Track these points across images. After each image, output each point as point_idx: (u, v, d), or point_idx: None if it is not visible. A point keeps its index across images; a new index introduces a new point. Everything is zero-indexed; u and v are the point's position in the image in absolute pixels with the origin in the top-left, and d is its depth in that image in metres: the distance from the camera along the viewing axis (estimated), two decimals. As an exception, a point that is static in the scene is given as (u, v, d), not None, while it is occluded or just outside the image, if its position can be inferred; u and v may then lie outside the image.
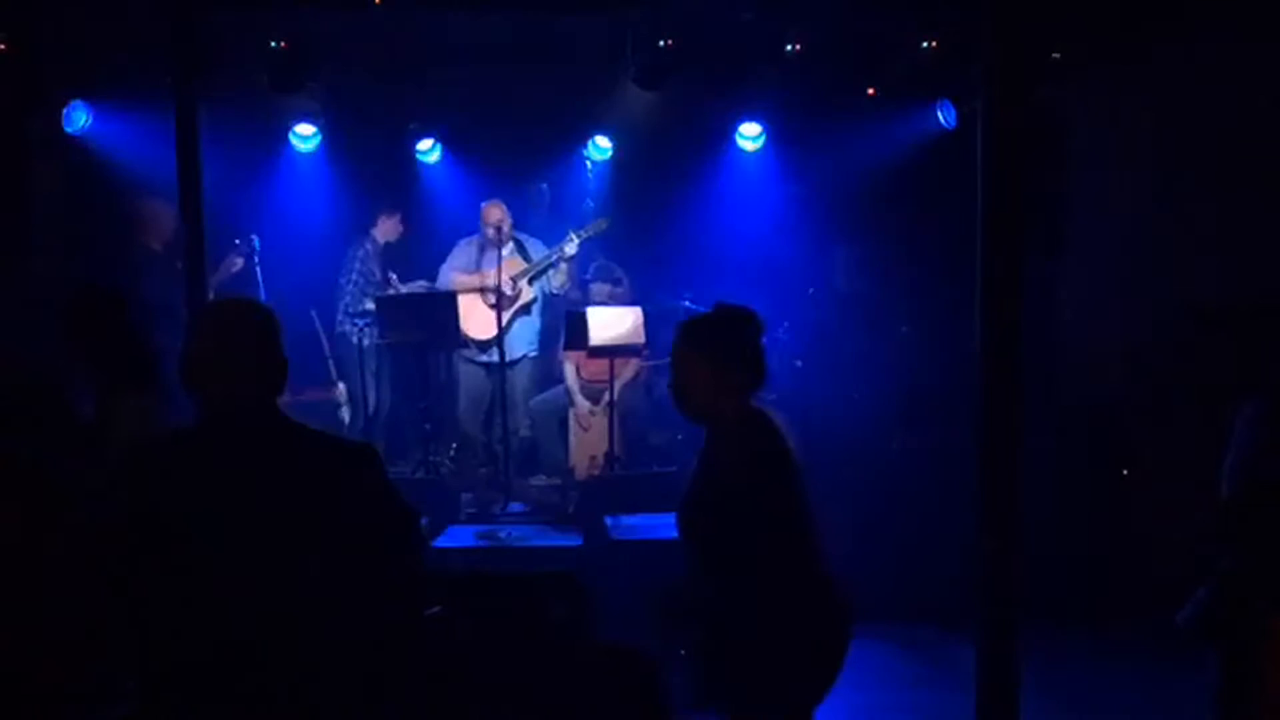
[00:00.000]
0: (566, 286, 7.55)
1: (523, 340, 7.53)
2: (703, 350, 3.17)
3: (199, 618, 2.48)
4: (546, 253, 7.43)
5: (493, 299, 7.30)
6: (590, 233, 7.36)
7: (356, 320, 7.55)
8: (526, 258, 7.46)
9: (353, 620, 2.59)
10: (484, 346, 7.48)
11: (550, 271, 7.46)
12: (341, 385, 7.53)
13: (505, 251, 7.28)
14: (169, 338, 7.05)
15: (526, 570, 5.78)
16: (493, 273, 7.30)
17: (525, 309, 7.51)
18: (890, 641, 5.91)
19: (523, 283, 7.41)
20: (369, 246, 7.73)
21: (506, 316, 7.32)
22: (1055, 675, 5.24)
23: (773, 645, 3.01)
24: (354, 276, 7.66)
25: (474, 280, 7.44)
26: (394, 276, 7.58)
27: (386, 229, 7.81)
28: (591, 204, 8.18)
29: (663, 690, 3.28)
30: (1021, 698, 3.67)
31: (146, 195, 7.13)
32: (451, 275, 7.52)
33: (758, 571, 3.01)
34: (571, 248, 7.33)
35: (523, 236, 7.54)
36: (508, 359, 7.36)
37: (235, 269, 7.26)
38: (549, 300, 7.65)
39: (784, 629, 3.02)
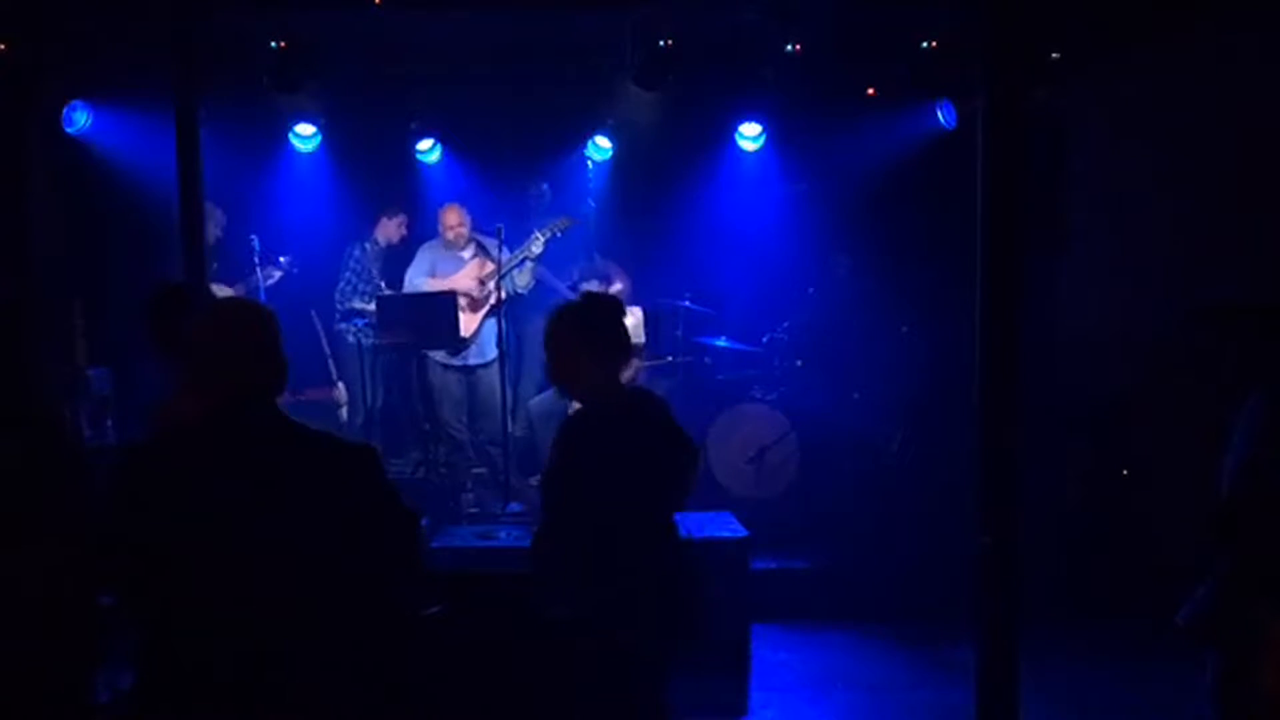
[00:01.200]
0: (530, 286, 7.54)
1: (493, 341, 7.49)
2: (572, 335, 3.35)
3: (199, 616, 2.48)
4: (513, 254, 7.41)
5: (463, 302, 7.30)
6: (554, 231, 7.33)
7: (354, 320, 7.54)
8: (493, 259, 7.44)
9: (353, 620, 2.59)
10: (455, 350, 7.47)
11: (514, 271, 7.43)
12: (341, 385, 7.53)
13: (467, 254, 7.36)
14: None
15: (527, 570, 5.76)
16: (456, 277, 7.32)
17: (493, 310, 7.50)
18: (890, 641, 5.91)
19: (491, 284, 7.40)
20: (367, 247, 7.71)
21: (480, 318, 7.34)
22: (1055, 675, 5.24)
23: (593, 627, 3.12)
24: (347, 275, 7.65)
25: (443, 285, 7.41)
26: (383, 284, 7.57)
27: (388, 230, 7.80)
28: (594, 204, 8.18)
29: (663, 691, 3.28)
30: (1021, 697, 3.67)
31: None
32: (420, 281, 7.49)
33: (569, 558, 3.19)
34: (537, 247, 7.31)
35: (480, 238, 7.55)
36: (481, 361, 7.40)
37: (271, 281, 7.28)
38: (513, 300, 7.63)
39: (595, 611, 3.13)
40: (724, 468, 7.27)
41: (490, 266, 7.36)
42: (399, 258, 7.89)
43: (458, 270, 7.46)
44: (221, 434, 2.58)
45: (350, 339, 7.57)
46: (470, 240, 7.49)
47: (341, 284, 7.65)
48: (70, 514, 2.48)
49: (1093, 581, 6.26)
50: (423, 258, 7.59)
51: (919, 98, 7.76)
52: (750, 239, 8.15)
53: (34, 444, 2.60)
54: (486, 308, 7.39)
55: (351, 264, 7.66)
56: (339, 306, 7.63)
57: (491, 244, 7.46)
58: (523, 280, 7.49)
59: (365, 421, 7.49)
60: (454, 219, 7.41)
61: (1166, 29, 6.23)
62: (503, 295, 7.33)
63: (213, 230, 6.96)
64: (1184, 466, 5.96)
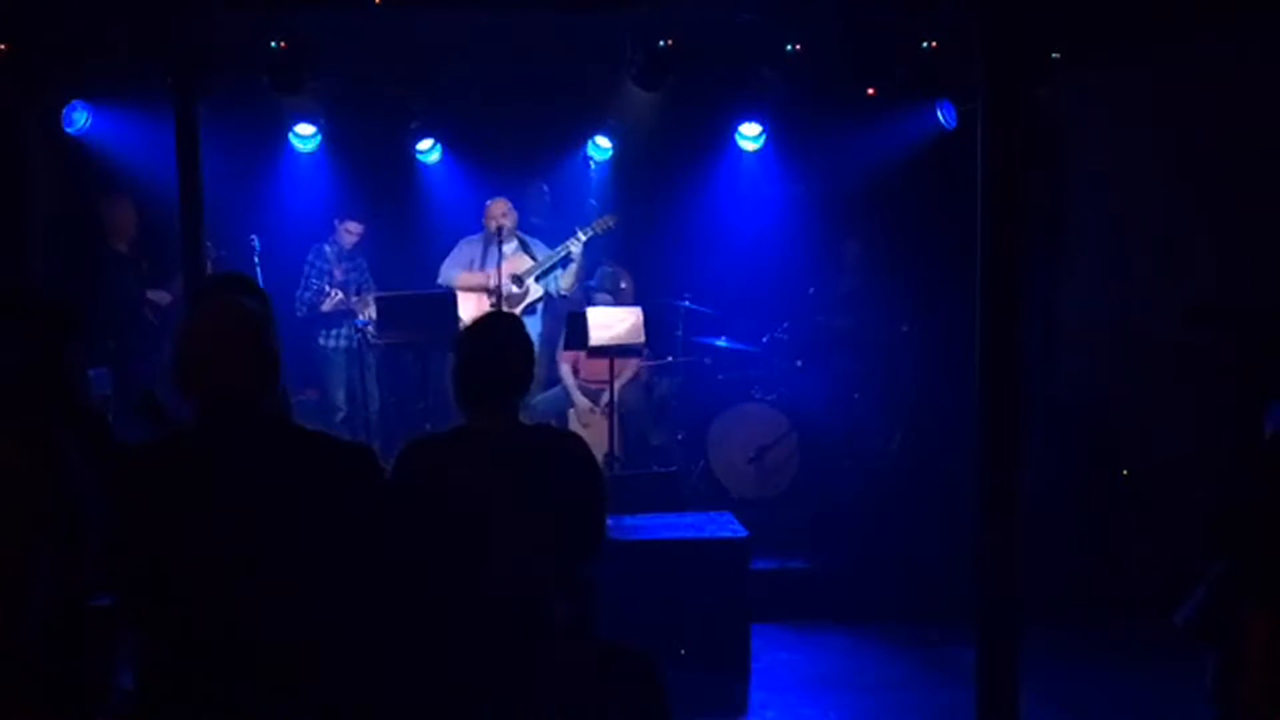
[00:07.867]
0: (573, 289, 7.53)
1: None
2: (455, 364, 3.12)
3: (197, 618, 2.48)
4: (551, 251, 7.41)
5: (494, 298, 7.31)
6: (596, 230, 7.33)
7: (317, 324, 7.51)
8: (533, 256, 7.44)
9: (351, 619, 2.59)
10: None
11: (558, 271, 7.43)
12: (313, 390, 7.53)
13: (509, 249, 7.29)
14: (132, 339, 7.06)
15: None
16: (492, 271, 7.32)
17: (530, 308, 7.49)
18: (890, 641, 5.91)
19: (529, 281, 7.41)
20: (327, 249, 7.57)
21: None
22: (1055, 675, 5.24)
23: None
24: (306, 278, 7.57)
25: (478, 279, 7.43)
26: (335, 291, 7.45)
27: (341, 235, 7.63)
28: (595, 203, 8.18)
29: (663, 691, 3.28)
30: (1021, 698, 3.67)
31: (112, 194, 7.18)
32: (455, 273, 7.49)
33: None
34: (577, 246, 7.32)
35: (526, 236, 7.52)
36: None
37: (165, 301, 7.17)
38: (550, 302, 7.62)
39: None
40: (724, 468, 7.28)
41: (528, 263, 7.36)
42: (397, 256, 7.89)
43: (496, 265, 7.49)
44: (218, 434, 2.58)
45: (319, 342, 7.54)
46: (514, 235, 7.41)
47: (300, 289, 7.52)
48: (76, 514, 2.48)
49: (1092, 581, 6.26)
50: (462, 251, 7.57)
51: (919, 98, 7.75)
52: (750, 239, 8.15)
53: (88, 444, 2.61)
54: (524, 303, 7.38)
55: (307, 269, 7.54)
56: (298, 312, 7.48)
57: (535, 243, 7.44)
58: (566, 283, 7.47)
59: (348, 421, 7.49)
60: (500, 209, 7.41)
61: (1166, 28, 6.23)
62: (540, 294, 7.36)
63: (133, 226, 7.18)
64: (1184, 466, 5.98)
